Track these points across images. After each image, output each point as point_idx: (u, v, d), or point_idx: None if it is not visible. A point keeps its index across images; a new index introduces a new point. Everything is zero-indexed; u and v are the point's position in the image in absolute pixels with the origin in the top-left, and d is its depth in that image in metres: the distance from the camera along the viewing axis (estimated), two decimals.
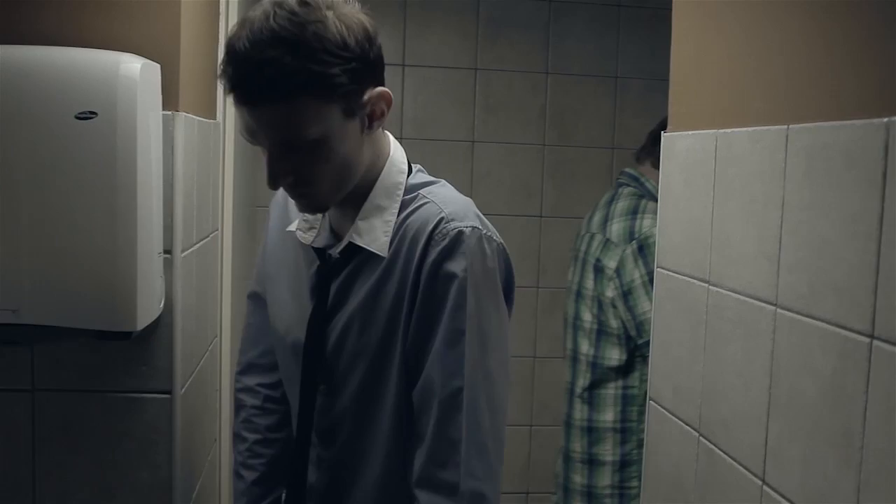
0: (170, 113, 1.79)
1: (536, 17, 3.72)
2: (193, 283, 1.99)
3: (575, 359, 2.67)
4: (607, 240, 2.55)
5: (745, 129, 1.46)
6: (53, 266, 1.55)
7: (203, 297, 2.15)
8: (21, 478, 1.79)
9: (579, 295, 2.63)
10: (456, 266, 1.47)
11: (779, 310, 1.33)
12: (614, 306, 2.52)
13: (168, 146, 1.78)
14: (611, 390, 2.56)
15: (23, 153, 1.54)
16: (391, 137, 1.62)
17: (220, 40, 2.43)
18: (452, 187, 1.63)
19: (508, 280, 1.62)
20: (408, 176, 1.59)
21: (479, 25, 3.71)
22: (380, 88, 1.47)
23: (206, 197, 2.20)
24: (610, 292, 2.52)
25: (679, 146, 1.73)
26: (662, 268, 1.80)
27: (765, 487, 1.37)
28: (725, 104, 1.57)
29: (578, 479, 2.65)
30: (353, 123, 1.45)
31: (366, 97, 1.45)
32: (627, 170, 2.69)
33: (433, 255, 1.48)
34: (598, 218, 2.64)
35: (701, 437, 1.59)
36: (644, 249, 2.46)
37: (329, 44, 1.38)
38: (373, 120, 1.48)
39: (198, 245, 2.06)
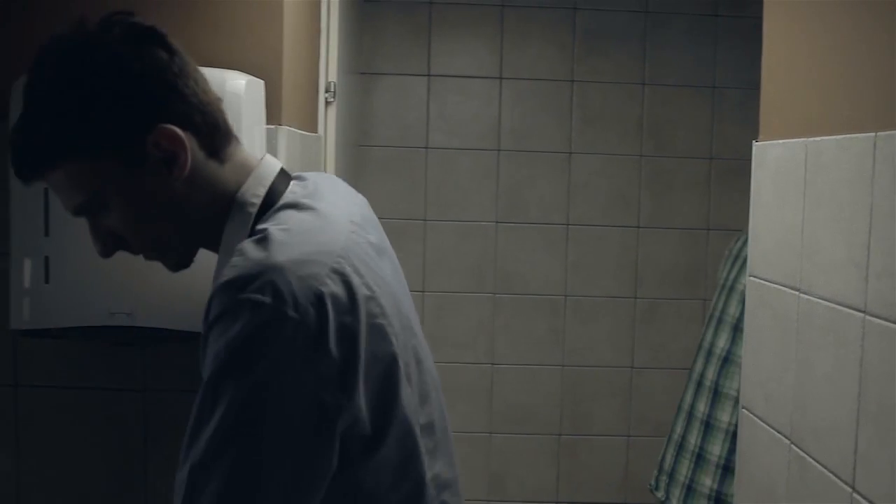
0: (273, 127, 1.88)
1: (633, 29, 3.73)
2: None
3: (700, 383, 2.60)
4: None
5: (833, 136, 1.46)
6: (165, 272, 1.64)
7: None
8: (134, 474, 1.90)
9: (720, 321, 2.55)
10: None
11: (867, 317, 1.34)
12: None
13: None
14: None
15: None
16: (254, 157, 1.32)
17: (321, 56, 2.52)
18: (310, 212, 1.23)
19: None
20: (265, 198, 1.26)
21: (575, 37, 3.74)
22: (160, 127, 1.18)
23: None
24: None
25: (770, 155, 1.74)
26: (754, 276, 1.81)
27: (855, 495, 1.37)
28: (815, 112, 1.57)
29: (709, 482, 2.56)
30: (140, 171, 1.19)
31: (148, 141, 1.18)
32: None
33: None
34: (742, 244, 2.49)
35: (792, 445, 1.60)
36: None
37: (56, 106, 1.17)
38: (170, 162, 1.20)
39: None
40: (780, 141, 1.69)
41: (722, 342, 2.46)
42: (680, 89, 3.72)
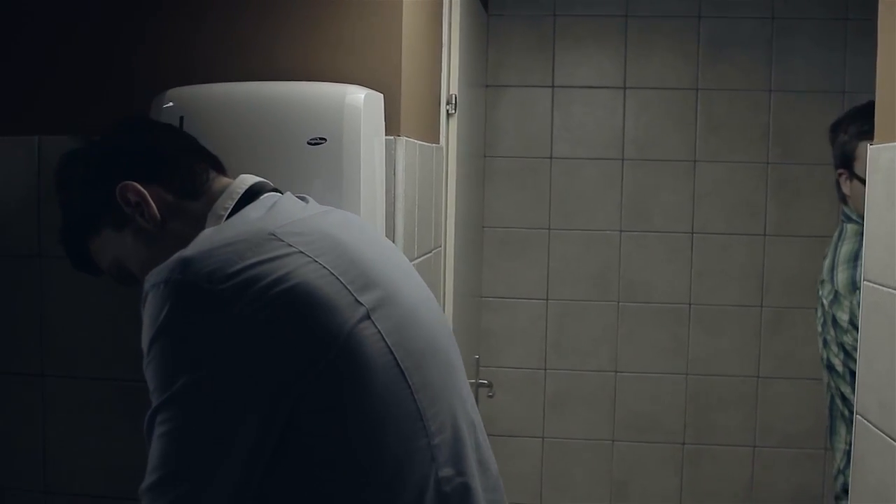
0: (392, 138, 1.97)
1: (758, 35, 3.69)
2: None
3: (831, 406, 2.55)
4: (836, 291, 2.38)
5: None
6: None
7: None
8: None
9: (826, 342, 2.49)
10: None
11: None
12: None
13: (390, 168, 1.96)
14: None
15: (264, 174, 1.75)
16: (229, 180, 1.46)
17: (442, 70, 2.61)
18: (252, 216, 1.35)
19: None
20: (233, 208, 1.40)
21: (699, 46, 3.73)
22: (121, 184, 1.40)
23: (429, 215, 2.37)
24: (851, 340, 2.34)
25: (883, 158, 1.73)
26: (869, 280, 1.79)
27: None
28: None
29: None
30: (130, 227, 1.44)
31: (118, 197, 1.41)
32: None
33: None
34: (828, 262, 2.49)
35: None
36: None
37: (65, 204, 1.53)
38: (141, 212, 1.41)
39: (419, 259, 2.23)
40: (893, 143, 1.68)
41: (836, 361, 2.42)
42: (808, 95, 3.66)
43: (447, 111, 2.66)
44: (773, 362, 3.74)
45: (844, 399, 2.42)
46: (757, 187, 3.75)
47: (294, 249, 1.24)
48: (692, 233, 3.78)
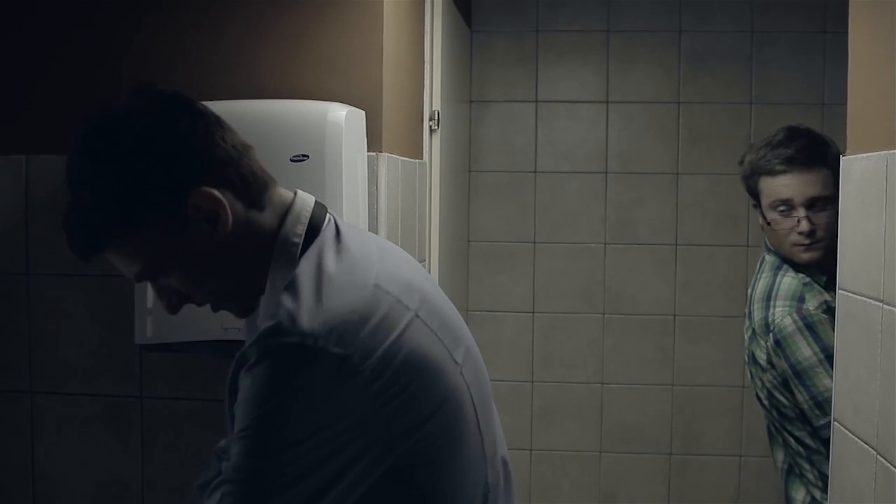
0: (374, 154, 2.00)
1: (739, 49, 3.74)
2: None
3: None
4: (753, 329, 2.35)
5: None
6: None
7: None
8: None
9: (751, 374, 2.44)
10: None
11: None
12: (781, 391, 2.30)
13: (373, 184, 1.99)
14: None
15: None
16: (289, 194, 1.35)
17: (425, 86, 2.64)
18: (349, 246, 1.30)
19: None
20: (306, 237, 1.30)
21: (681, 59, 3.77)
22: (197, 191, 1.22)
23: (412, 230, 2.40)
24: (770, 378, 2.30)
25: (855, 168, 1.76)
26: (843, 289, 1.83)
27: None
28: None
29: None
30: (186, 233, 1.25)
31: (188, 205, 1.23)
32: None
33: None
34: (749, 293, 2.43)
35: (878, 456, 1.61)
36: (781, 343, 2.21)
37: (95, 187, 1.23)
38: (212, 221, 1.24)
39: None
40: (865, 154, 1.72)
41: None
42: (788, 107, 3.70)
43: (430, 127, 2.69)
44: None
45: (776, 424, 2.40)
46: (739, 199, 3.76)
47: (400, 303, 1.23)
48: (676, 244, 3.81)
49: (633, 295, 3.85)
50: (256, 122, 1.81)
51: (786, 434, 2.36)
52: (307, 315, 1.16)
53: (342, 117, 1.82)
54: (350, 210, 1.82)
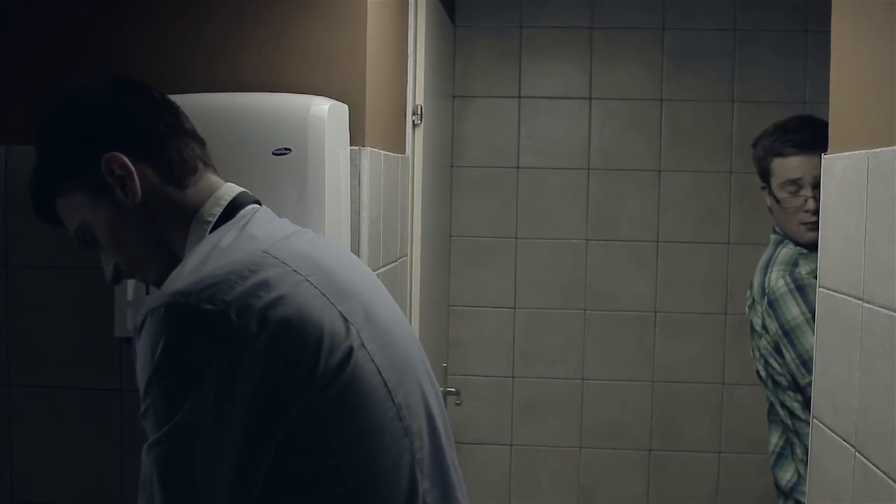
0: (357, 148, 1.99)
1: (721, 47, 3.75)
2: None
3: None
4: (752, 297, 2.52)
5: (892, 147, 1.50)
6: None
7: None
8: None
9: (752, 349, 2.57)
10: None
11: None
12: (775, 357, 2.43)
13: (355, 178, 1.98)
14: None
15: None
16: (219, 183, 1.43)
17: (408, 81, 2.63)
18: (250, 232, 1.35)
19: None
20: (218, 222, 1.38)
21: (664, 57, 3.78)
22: (109, 154, 1.34)
23: (394, 225, 2.39)
24: (764, 344, 2.45)
25: (836, 167, 1.77)
26: (824, 287, 1.84)
27: None
28: (877, 125, 1.60)
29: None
30: (106, 198, 1.36)
31: (102, 168, 1.35)
32: None
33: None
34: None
35: (857, 453, 1.62)
36: (773, 304, 2.38)
37: (43, 149, 1.41)
38: (122, 186, 1.35)
39: (385, 268, 2.25)
40: (846, 153, 1.73)
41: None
42: (770, 105, 3.70)
43: (413, 121, 2.69)
44: (737, 369, 3.79)
45: (773, 404, 2.50)
46: (721, 196, 3.80)
47: (287, 266, 1.25)
48: (657, 241, 3.83)
49: (614, 291, 3.85)
50: (239, 115, 1.80)
51: (780, 408, 2.45)
52: (184, 279, 1.22)
53: (325, 111, 1.81)
54: (332, 204, 1.81)
